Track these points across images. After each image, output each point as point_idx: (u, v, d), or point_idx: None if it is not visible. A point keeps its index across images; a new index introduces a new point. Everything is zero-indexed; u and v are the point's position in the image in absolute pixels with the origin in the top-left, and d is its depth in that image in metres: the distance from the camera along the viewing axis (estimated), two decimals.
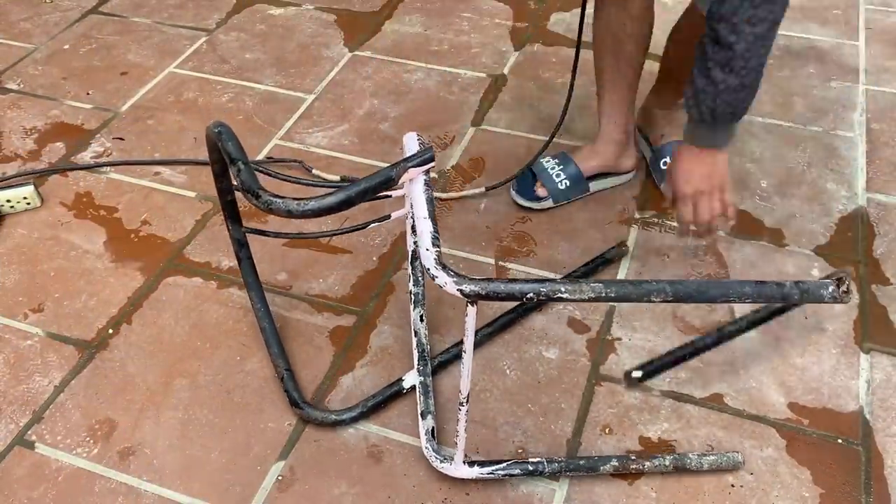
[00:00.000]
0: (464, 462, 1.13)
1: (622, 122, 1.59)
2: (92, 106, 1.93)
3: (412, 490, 1.17)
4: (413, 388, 1.27)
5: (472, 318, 0.95)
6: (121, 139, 1.83)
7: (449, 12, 2.27)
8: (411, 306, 1.31)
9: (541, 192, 1.61)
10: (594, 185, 1.64)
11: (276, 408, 1.28)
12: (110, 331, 1.40)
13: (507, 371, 1.33)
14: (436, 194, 1.62)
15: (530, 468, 1.15)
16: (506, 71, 2.02)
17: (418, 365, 1.26)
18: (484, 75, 2.00)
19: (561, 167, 1.62)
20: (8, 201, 1.61)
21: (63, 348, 1.37)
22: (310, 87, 1.99)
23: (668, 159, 1.56)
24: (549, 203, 1.61)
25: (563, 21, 2.22)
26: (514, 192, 1.64)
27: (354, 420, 1.24)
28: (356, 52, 2.11)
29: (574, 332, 1.39)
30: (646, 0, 1.44)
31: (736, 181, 1.69)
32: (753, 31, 1.12)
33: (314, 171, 1.71)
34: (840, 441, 1.23)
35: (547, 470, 1.15)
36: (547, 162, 1.64)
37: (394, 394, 1.27)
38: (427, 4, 2.31)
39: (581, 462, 1.17)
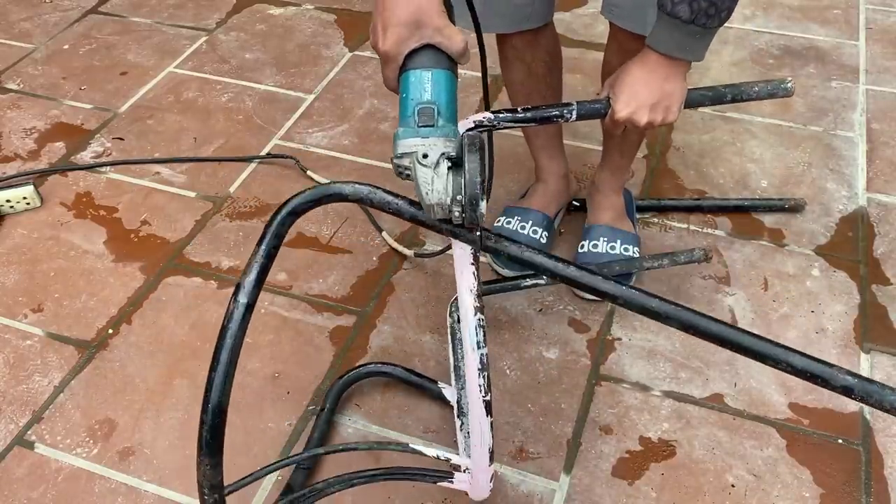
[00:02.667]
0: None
1: (560, 154, 1.53)
2: (92, 106, 1.93)
3: (412, 490, 1.17)
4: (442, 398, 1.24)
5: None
6: (120, 139, 1.83)
7: None
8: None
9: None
10: (555, 223, 1.56)
11: (276, 408, 1.28)
12: (110, 331, 1.40)
13: (507, 371, 1.33)
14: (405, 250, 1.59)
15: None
16: None
17: (455, 381, 1.18)
18: None
19: (530, 222, 1.49)
20: (8, 201, 1.61)
21: (63, 348, 1.37)
22: (310, 87, 1.99)
23: (586, 243, 1.47)
24: None
25: (562, 21, 2.22)
26: (497, 266, 1.49)
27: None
28: (356, 52, 2.11)
29: (574, 332, 1.39)
30: (555, 41, 1.40)
31: (736, 181, 1.69)
32: None
33: (308, 173, 1.71)
34: (840, 441, 1.23)
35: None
36: (509, 223, 1.50)
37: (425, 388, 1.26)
38: None
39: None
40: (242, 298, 0.82)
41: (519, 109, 1.06)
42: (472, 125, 1.05)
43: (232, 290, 1.46)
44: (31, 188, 1.61)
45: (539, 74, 1.40)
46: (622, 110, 1.06)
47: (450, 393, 1.21)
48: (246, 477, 0.95)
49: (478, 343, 0.87)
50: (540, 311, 1.43)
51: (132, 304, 1.45)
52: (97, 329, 1.40)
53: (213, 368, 0.85)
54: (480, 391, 0.88)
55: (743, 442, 1.23)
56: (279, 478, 1.19)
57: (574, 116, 1.05)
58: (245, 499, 1.16)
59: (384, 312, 1.43)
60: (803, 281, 1.48)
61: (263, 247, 0.83)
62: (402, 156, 0.81)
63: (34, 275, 1.51)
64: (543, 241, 1.49)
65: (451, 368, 1.21)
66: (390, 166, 1.71)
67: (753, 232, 1.58)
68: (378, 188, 0.85)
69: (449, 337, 1.25)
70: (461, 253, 0.87)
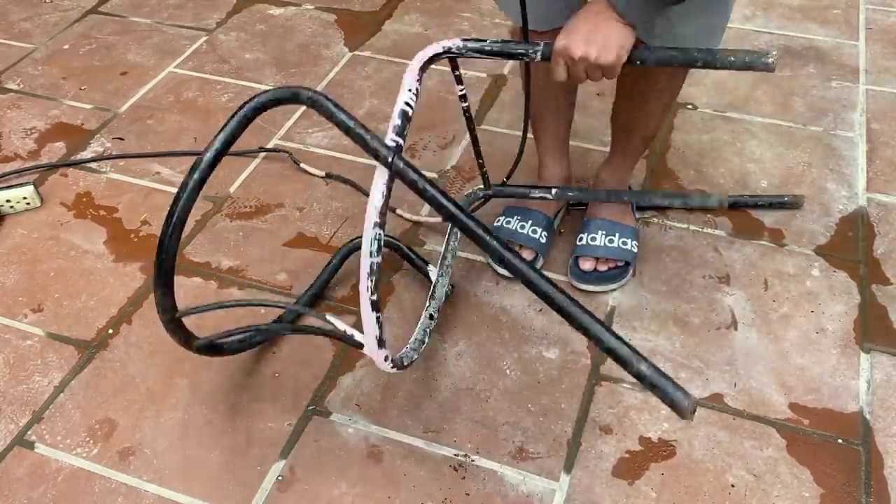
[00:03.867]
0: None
1: (564, 156, 1.55)
2: (92, 106, 1.93)
3: (412, 490, 1.17)
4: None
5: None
6: (121, 139, 1.83)
7: (449, 12, 2.27)
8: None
9: (526, 254, 1.48)
10: (555, 223, 1.56)
11: (276, 408, 1.28)
12: (110, 331, 1.40)
13: (507, 371, 1.33)
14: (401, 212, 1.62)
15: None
16: (506, 71, 2.02)
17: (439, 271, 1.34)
18: (484, 75, 2.00)
19: (530, 222, 1.50)
20: (8, 201, 1.61)
21: (63, 348, 1.37)
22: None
23: (584, 235, 1.48)
24: (539, 262, 1.49)
25: None
26: (498, 265, 1.49)
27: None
28: (356, 52, 2.11)
29: (574, 332, 1.39)
30: None
31: (736, 181, 1.69)
32: None
33: (301, 165, 1.71)
34: (840, 441, 1.23)
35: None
36: (508, 223, 1.51)
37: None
38: (427, 4, 2.31)
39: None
40: (196, 175, 0.99)
41: (487, 41, 1.16)
42: (441, 50, 1.15)
43: (232, 290, 1.46)
44: (31, 188, 1.61)
45: (557, 84, 1.39)
46: (560, 41, 1.09)
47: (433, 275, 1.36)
48: (199, 306, 1.08)
49: (370, 252, 1.03)
50: (540, 310, 1.43)
51: (132, 304, 1.45)
52: (97, 329, 1.40)
53: (166, 223, 0.99)
54: (368, 291, 1.04)
55: (743, 442, 1.23)
56: (279, 477, 1.19)
57: (539, 56, 1.13)
58: (245, 499, 1.16)
59: (384, 312, 1.43)
60: (803, 281, 1.48)
61: (225, 133, 1.03)
62: None
63: (34, 275, 1.51)
64: (543, 240, 1.49)
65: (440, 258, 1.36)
66: None
67: (753, 232, 1.58)
68: (329, 99, 1.05)
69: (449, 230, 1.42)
70: (379, 173, 1.02)
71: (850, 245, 1.55)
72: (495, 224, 1.53)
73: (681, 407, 0.85)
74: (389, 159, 1.00)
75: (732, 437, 1.24)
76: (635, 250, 1.47)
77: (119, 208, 1.65)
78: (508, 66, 2.03)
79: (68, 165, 1.75)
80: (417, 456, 1.21)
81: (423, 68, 1.13)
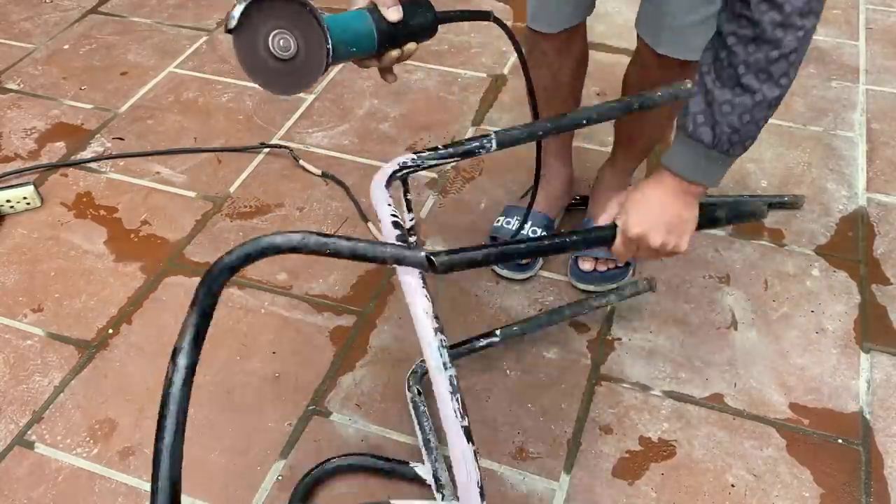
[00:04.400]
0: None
1: (568, 159, 1.56)
2: (92, 106, 1.93)
3: (413, 490, 1.17)
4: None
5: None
6: (121, 139, 1.83)
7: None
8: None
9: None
10: (556, 222, 1.58)
11: (276, 408, 1.28)
12: (110, 331, 1.40)
13: (507, 371, 1.33)
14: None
15: None
16: (506, 71, 2.02)
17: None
18: (484, 75, 2.00)
19: (531, 223, 1.50)
20: (8, 201, 1.61)
21: (63, 348, 1.37)
22: (310, 89, 1.98)
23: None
24: (538, 266, 1.50)
25: None
26: (497, 266, 1.48)
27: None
28: None
29: (574, 332, 1.39)
30: (585, 44, 1.41)
31: (736, 181, 1.69)
32: (804, 23, 0.83)
33: (300, 162, 1.71)
34: (840, 441, 1.23)
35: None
36: (508, 223, 1.51)
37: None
38: None
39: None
40: (182, 360, 0.79)
41: (440, 147, 1.07)
42: (398, 167, 1.04)
43: (231, 290, 1.46)
44: (31, 188, 1.61)
45: (563, 81, 1.42)
46: (634, 227, 0.97)
47: (424, 471, 1.16)
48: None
49: (444, 364, 0.81)
50: (540, 311, 1.43)
51: (132, 304, 1.45)
52: (97, 329, 1.40)
53: (158, 439, 0.76)
54: (457, 416, 0.80)
55: (743, 442, 1.23)
56: (279, 477, 1.19)
57: (494, 146, 1.07)
58: (245, 499, 1.16)
59: (384, 312, 1.43)
60: (803, 281, 1.48)
61: (197, 307, 0.80)
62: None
63: (34, 275, 1.51)
64: None
65: (421, 444, 1.18)
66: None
67: (753, 232, 1.58)
68: (311, 233, 0.86)
69: (412, 411, 1.23)
70: (409, 280, 0.85)
71: (850, 245, 1.55)
72: (495, 224, 1.53)
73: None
74: (425, 264, 0.84)
75: (732, 437, 1.24)
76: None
77: (119, 208, 1.65)
78: (508, 66, 2.03)
79: (68, 165, 1.75)
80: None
81: (388, 186, 1.01)
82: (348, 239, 0.84)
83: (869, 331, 1.39)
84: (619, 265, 1.46)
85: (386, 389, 1.31)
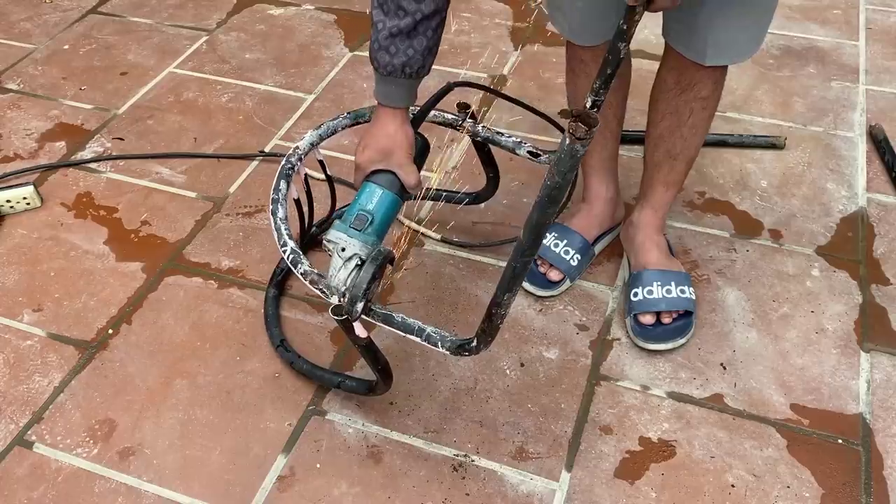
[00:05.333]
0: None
1: (611, 178, 1.48)
2: (92, 106, 1.93)
3: (412, 490, 1.17)
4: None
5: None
6: (120, 139, 1.83)
7: (449, 12, 2.26)
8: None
9: (553, 275, 1.43)
10: (598, 248, 1.51)
11: (276, 408, 1.28)
12: (110, 331, 1.40)
13: (507, 371, 1.33)
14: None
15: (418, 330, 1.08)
16: (506, 71, 2.02)
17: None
18: (484, 75, 2.00)
19: (565, 241, 1.44)
20: (8, 201, 1.61)
21: (63, 348, 1.37)
22: (310, 87, 1.99)
23: (640, 290, 1.37)
24: (566, 285, 1.45)
25: None
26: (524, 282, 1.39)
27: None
28: (356, 53, 2.11)
29: (574, 332, 1.39)
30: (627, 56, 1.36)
31: (736, 181, 1.69)
32: None
33: (306, 172, 1.70)
34: (840, 441, 1.23)
35: (438, 343, 1.06)
36: (546, 239, 1.43)
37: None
38: None
39: None
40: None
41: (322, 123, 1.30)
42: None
43: (231, 290, 1.46)
44: (31, 188, 1.61)
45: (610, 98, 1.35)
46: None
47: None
48: None
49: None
50: (540, 311, 1.43)
51: (132, 304, 1.45)
52: (97, 329, 1.40)
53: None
54: None
55: (743, 442, 1.23)
56: (279, 478, 1.19)
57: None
58: (245, 499, 1.16)
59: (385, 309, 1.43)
60: (803, 281, 1.48)
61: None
62: (330, 241, 1.07)
63: (34, 275, 1.51)
64: (574, 263, 1.43)
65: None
66: None
67: (753, 232, 1.58)
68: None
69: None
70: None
71: (850, 245, 1.55)
72: None
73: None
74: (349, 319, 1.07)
75: (732, 437, 1.24)
76: (693, 297, 1.37)
77: (119, 208, 1.65)
78: (508, 67, 2.03)
79: (68, 166, 1.75)
80: (417, 456, 1.21)
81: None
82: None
83: (869, 331, 1.39)
84: (681, 313, 1.36)
85: None
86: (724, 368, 1.33)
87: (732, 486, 1.17)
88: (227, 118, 1.88)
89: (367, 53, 2.09)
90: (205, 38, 2.17)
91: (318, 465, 1.20)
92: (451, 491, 1.17)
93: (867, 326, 1.40)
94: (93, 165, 1.76)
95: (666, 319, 1.35)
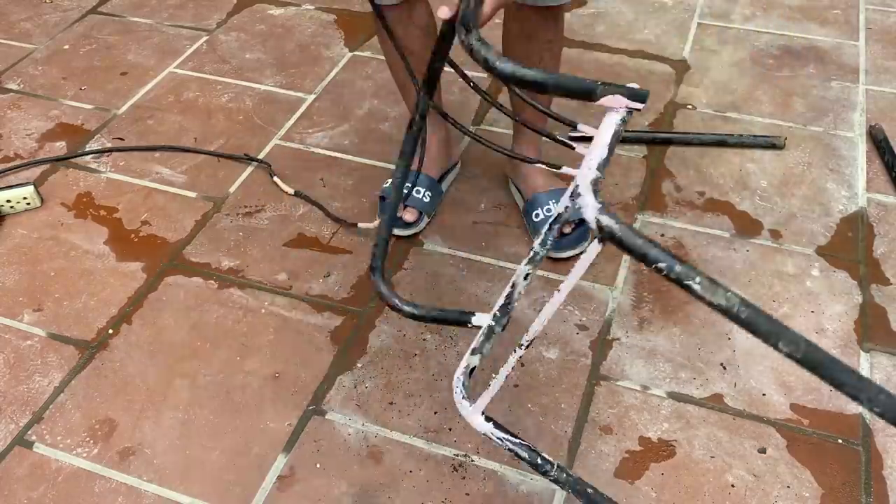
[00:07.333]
0: (483, 413, 1.06)
1: (440, 121, 1.59)
2: (92, 106, 1.93)
3: (412, 490, 1.17)
4: (476, 327, 1.10)
5: (590, 256, 0.87)
6: (120, 139, 1.83)
7: None
8: (524, 261, 1.06)
9: (408, 216, 1.55)
10: (444, 185, 1.63)
11: (276, 408, 1.28)
12: (110, 331, 1.40)
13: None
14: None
15: (538, 462, 1.06)
16: None
17: (497, 311, 1.07)
18: (484, 75, 2.00)
19: (416, 187, 1.55)
20: (8, 201, 1.61)
21: (63, 348, 1.37)
22: (310, 87, 1.99)
23: (540, 210, 1.53)
24: (423, 223, 1.58)
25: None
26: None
27: (414, 317, 1.10)
28: (356, 52, 2.11)
29: (574, 332, 1.39)
30: (428, 12, 1.44)
31: (736, 181, 1.69)
32: None
33: (274, 179, 1.70)
34: (840, 441, 1.23)
35: (552, 474, 1.09)
36: (389, 184, 1.56)
37: (458, 320, 1.10)
38: None
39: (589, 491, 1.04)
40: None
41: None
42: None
43: (231, 290, 1.46)
44: (31, 188, 1.61)
45: (413, 50, 1.43)
46: None
47: (484, 319, 1.11)
48: None
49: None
50: (540, 311, 1.43)
51: (132, 304, 1.45)
52: (97, 329, 1.40)
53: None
54: None
55: (743, 442, 1.23)
56: (280, 478, 1.19)
57: None
58: (245, 499, 1.16)
59: (384, 312, 1.43)
60: (803, 281, 1.48)
61: None
62: None
63: (34, 275, 1.51)
64: (427, 200, 1.56)
65: (503, 295, 1.07)
66: (390, 166, 1.72)
67: (753, 232, 1.58)
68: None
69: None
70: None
71: (850, 245, 1.55)
72: (384, 185, 1.60)
73: None
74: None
75: (732, 437, 1.24)
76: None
77: (119, 208, 1.65)
78: None
79: (65, 158, 1.75)
80: (417, 456, 1.21)
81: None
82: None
83: (869, 331, 1.39)
84: (577, 223, 1.50)
85: (386, 389, 1.31)
86: (724, 368, 1.33)
87: (732, 486, 1.17)
88: (228, 118, 1.88)
89: (367, 53, 2.09)
90: (205, 38, 2.17)
91: (318, 465, 1.20)
92: (451, 491, 1.17)
93: (867, 326, 1.40)
94: (92, 165, 1.76)
95: (567, 230, 1.51)
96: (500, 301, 1.08)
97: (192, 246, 1.56)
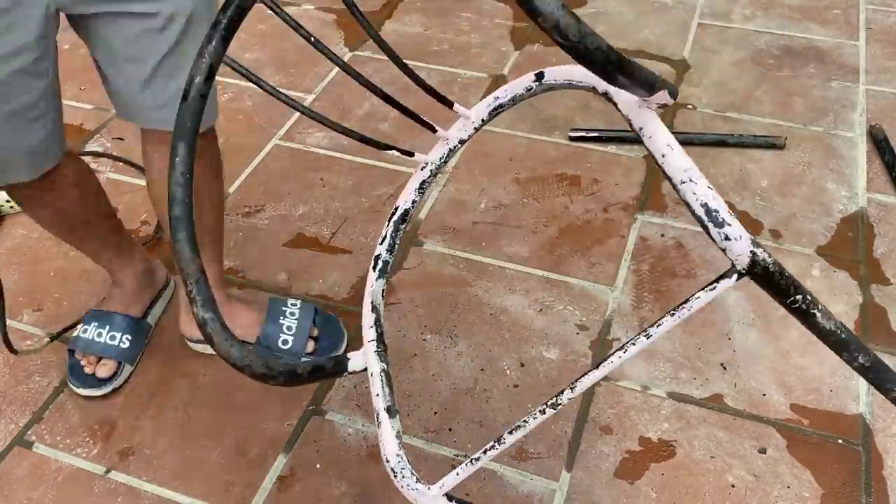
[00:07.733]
0: (446, 495, 0.82)
1: (133, 253, 1.37)
2: (92, 106, 1.93)
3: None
4: (359, 372, 0.86)
5: (714, 294, 0.71)
6: (120, 139, 1.83)
7: (449, 12, 2.27)
8: (374, 275, 0.94)
9: (102, 371, 1.28)
10: (152, 318, 1.39)
11: (275, 408, 1.28)
12: None
13: (507, 371, 1.33)
14: None
15: None
16: (506, 71, 2.02)
17: (377, 347, 0.90)
18: (484, 75, 2.00)
19: (106, 327, 1.31)
20: (8, 201, 1.61)
21: (63, 348, 1.37)
22: (310, 87, 1.99)
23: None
24: (124, 375, 1.31)
25: None
26: (70, 383, 1.29)
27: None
28: (356, 52, 2.11)
29: (574, 332, 1.39)
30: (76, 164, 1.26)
31: (736, 181, 1.69)
32: None
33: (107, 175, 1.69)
34: (840, 441, 1.23)
35: None
36: (85, 333, 1.31)
37: (327, 372, 0.82)
38: (427, 4, 2.31)
39: None
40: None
41: None
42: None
43: (232, 291, 1.45)
44: None
45: (74, 213, 1.25)
46: None
47: (365, 362, 0.88)
48: None
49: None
50: (540, 311, 1.43)
51: None
52: None
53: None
54: None
55: (743, 442, 1.23)
56: (280, 478, 1.19)
57: None
58: (245, 499, 1.16)
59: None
60: (804, 281, 1.48)
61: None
62: None
63: (34, 275, 1.51)
64: (127, 345, 1.31)
65: (369, 324, 0.93)
66: (389, 166, 1.72)
67: (753, 232, 1.58)
68: None
69: None
70: None
71: (850, 245, 1.55)
72: (73, 334, 1.34)
73: None
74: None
75: (732, 437, 1.24)
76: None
77: (119, 208, 1.64)
78: (508, 67, 2.03)
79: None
80: (417, 456, 1.21)
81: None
82: None
83: (869, 331, 1.39)
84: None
85: None
86: (724, 368, 1.33)
87: (732, 486, 1.17)
88: (228, 118, 1.88)
89: (367, 53, 2.09)
90: None
91: (318, 465, 1.20)
92: (451, 491, 1.17)
93: (867, 326, 1.40)
94: (92, 165, 1.75)
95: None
96: (371, 334, 0.92)
97: None
